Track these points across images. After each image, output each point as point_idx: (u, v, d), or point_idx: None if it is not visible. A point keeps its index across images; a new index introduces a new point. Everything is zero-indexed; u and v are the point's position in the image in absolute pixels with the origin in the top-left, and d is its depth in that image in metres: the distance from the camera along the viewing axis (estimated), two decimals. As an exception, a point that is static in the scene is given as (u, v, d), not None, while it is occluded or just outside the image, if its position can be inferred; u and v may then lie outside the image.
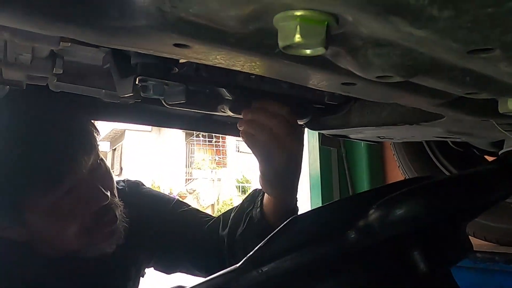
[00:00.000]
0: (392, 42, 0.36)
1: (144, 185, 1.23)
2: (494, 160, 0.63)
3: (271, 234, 0.48)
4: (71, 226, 0.89)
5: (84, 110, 1.01)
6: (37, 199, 0.84)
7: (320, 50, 0.34)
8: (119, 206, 0.98)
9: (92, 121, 1.03)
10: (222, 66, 0.50)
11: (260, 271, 0.45)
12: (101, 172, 0.95)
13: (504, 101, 0.56)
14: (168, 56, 0.44)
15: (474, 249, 1.41)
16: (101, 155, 0.98)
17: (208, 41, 0.38)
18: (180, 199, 1.31)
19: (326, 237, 0.46)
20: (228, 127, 1.54)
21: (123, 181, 1.19)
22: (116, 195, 1.00)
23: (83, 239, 0.91)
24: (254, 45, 0.39)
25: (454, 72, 0.41)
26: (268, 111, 0.94)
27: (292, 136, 0.93)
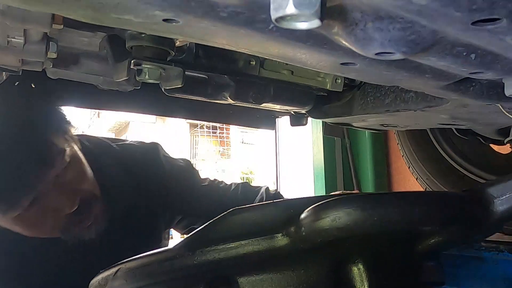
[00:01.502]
0: (392, 14, 0.34)
1: (162, 150, 1.26)
2: (467, 189, 0.59)
3: (209, 221, 0.50)
4: (46, 227, 0.94)
5: (50, 123, 0.96)
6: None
7: (315, 23, 0.32)
8: (97, 198, 0.99)
9: (60, 129, 0.98)
10: (217, 46, 0.48)
11: (192, 255, 0.47)
12: (68, 179, 0.93)
13: (510, 83, 0.54)
14: (158, 34, 0.42)
15: (479, 238, 1.39)
16: (71, 160, 0.95)
17: (198, 16, 0.36)
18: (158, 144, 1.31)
19: (257, 235, 0.47)
20: (231, 116, 1.53)
21: (139, 143, 1.22)
22: (96, 191, 1.00)
23: (61, 233, 0.95)
24: (247, 20, 0.37)
25: (458, 49, 0.39)
26: None
27: None
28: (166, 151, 1.30)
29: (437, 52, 0.40)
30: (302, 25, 0.33)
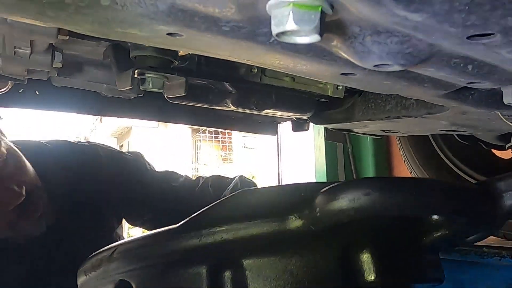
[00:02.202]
0: (389, 29, 0.35)
1: (123, 153, 1.27)
2: (478, 182, 0.59)
3: (217, 201, 0.48)
4: None
5: None
6: None
7: (315, 38, 0.33)
8: (41, 189, 0.99)
9: None
10: (220, 57, 0.49)
11: (197, 235, 0.45)
12: (9, 171, 0.94)
13: (509, 92, 0.54)
14: (163, 47, 0.43)
15: (481, 244, 1.39)
16: (8, 152, 0.95)
17: (201, 30, 0.37)
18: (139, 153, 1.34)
19: (268, 217, 0.44)
20: (233, 122, 1.54)
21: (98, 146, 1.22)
22: (37, 177, 0.99)
23: (9, 231, 0.95)
24: (248, 33, 0.38)
25: (454, 60, 0.40)
26: None
27: None
28: (107, 145, 1.28)
29: (435, 63, 0.41)
30: (302, 40, 0.34)
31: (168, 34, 0.38)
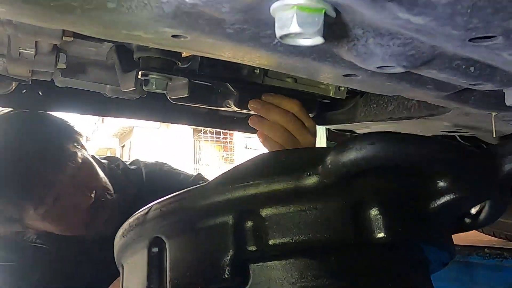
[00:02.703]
0: (392, 31, 0.35)
1: (164, 167, 1.44)
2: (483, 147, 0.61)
3: (242, 162, 0.53)
4: (70, 222, 1.12)
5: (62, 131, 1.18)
6: (31, 211, 1.06)
7: (318, 40, 0.33)
8: (112, 195, 1.17)
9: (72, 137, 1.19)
10: (223, 59, 0.50)
11: (223, 190, 0.49)
12: (82, 177, 1.12)
13: (511, 93, 0.55)
14: (167, 49, 0.44)
15: (483, 245, 1.39)
16: (82, 161, 1.14)
17: (206, 32, 0.37)
18: (201, 174, 1.50)
19: (285, 174, 0.48)
20: (235, 123, 1.54)
21: (142, 164, 1.40)
22: (109, 187, 1.18)
23: (84, 229, 1.13)
24: (252, 35, 0.38)
25: (457, 62, 0.40)
26: (279, 107, 0.92)
27: (305, 131, 0.92)
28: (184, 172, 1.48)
29: (437, 65, 0.41)
30: (306, 42, 0.34)
31: (173, 36, 0.39)
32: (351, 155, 0.45)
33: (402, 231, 0.49)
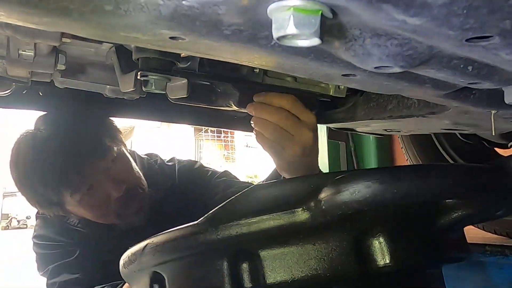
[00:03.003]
0: (389, 32, 0.35)
1: (195, 164, 1.54)
2: (492, 161, 0.59)
3: (231, 197, 0.51)
4: (102, 210, 1.24)
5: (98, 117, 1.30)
6: (69, 197, 1.21)
7: (315, 41, 0.33)
8: (144, 189, 1.29)
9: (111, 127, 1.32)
10: (221, 60, 0.50)
11: (215, 230, 0.48)
12: (116, 170, 1.24)
13: (510, 91, 0.54)
14: (165, 50, 0.44)
15: (484, 242, 1.39)
16: (117, 155, 1.25)
17: (203, 34, 0.37)
18: (227, 171, 1.55)
19: (278, 210, 0.47)
20: (235, 122, 1.54)
21: (176, 161, 1.52)
22: (142, 180, 1.30)
23: (115, 218, 1.26)
24: (249, 37, 0.39)
25: (454, 62, 0.40)
26: (270, 105, 0.92)
27: (300, 126, 0.90)
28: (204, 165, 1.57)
29: (435, 65, 0.41)
30: (303, 43, 0.34)
31: (170, 37, 0.39)
32: (345, 198, 0.43)
33: (409, 257, 0.47)
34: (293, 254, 0.47)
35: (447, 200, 0.49)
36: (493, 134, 0.79)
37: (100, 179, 1.21)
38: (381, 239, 0.47)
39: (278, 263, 0.47)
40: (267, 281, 0.47)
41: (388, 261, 0.46)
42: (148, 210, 1.29)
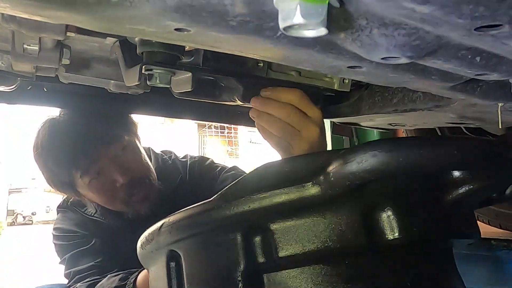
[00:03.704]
0: (396, 21, 0.35)
1: (206, 161, 1.60)
2: (497, 137, 0.58)
3: (243, 175, 0.53)
4: (109, 195, 1.32)
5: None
6: (79, 179, 1.31)
7: (322, 31, 0.33)
8: (151, 180, 1.35)
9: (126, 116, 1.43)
10: (226, 52, 0.49)
11: (228, 205, 0.49)
12: (124, 158, 1.32)
13: (517, 83, 0.54)
14: (170, 42, 0.43)
15: (489, 237, 1.39)
16: (127, 145, 1.35)
17: (209, 25, 0.37)
18: (236, 166, 1.61)
19: (289, 185, 0.48)
20: (239, 117, 1.54)
21: (189, 157, 1.60)
22: (151, 172, 1.37)
23: (121, 205, 1.34)
24: (255, 28, 0.38)
25: (462, 52, 0.40)
26: (278, 100, 0.91)
27: (307, 122, 0.89)
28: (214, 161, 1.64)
29: (442, 55, 0.41)
30: (310, 33, 0.34)
31: (176, 29, 0.38)
32: (353, 168, 0.44)
33: (417, 230, 0.48)
34: (304, 227, 0.48)
35: (454, 174, 0.49)
36: (500, 127, 0.78)
37: (108, 165, 1.29)
38: (390, 213, 0.47)
39: (289, 236, 0.48)
40: (279, 254, 0.48)
41: (397, 235, 0.46)
42: (158, 201, 1.35)
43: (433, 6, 0.28)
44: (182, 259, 0.55)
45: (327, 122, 2.35)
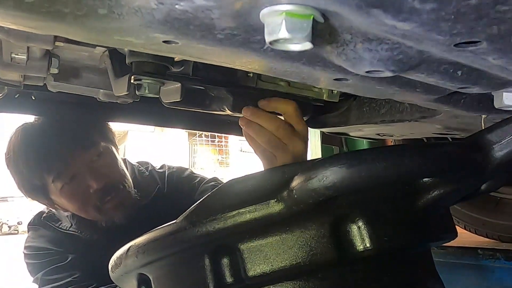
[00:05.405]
0: (379, 36, 0.36)
1: (185, 171, 1.57)
2: (465, 138, 0.57)
3: (207, 195, 0.52)
4: (82, 202, 1.27)
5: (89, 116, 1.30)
6: (51, 184, 1.25)
7: (307, 45, 0.34)
8: (125, 186, 1.31)
9: (103, 123, 1.38)
10: (214, 64, 0.50)
11: (193, 227, 0.48)
12: (99, 164, 1.28)
13: (499, 96, 0.55)
14: (159, 54, 0.44)
15: (475, 246, 1.40)
16: (103, 151, 1.31)
17: (197, 38, 0.38)
18: (216, 177, 1.60)
19: (253, 202, 0.46)
20: (229, 126, 1.54)
21: (166, 168, 1.56)
22: (126, 179, 1.33)
23: (95, 212, 1.28)
24: (242, 41, 0.39)
25: (444, 66, 0.41)
26: (267, 112, 0.92)
27: (294, 136, 0.90)
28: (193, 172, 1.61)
29: (425, 69, 0.42)
30: (295, 47, 0.34)
31: (164, 41, 0.39)
32: (314, 185, 0.43)
33: (389, 239, 0.47)
34: (272, 245, 0.47)
35: (423, 180, 0.49)
36: (484, 138, 0.79)
37: (83, 170, 1.25)
38: (360, 223, 0.47)
39: (258, 255, 0.47)
40: (249, 274, 0.47)
41: (368, 245, 0.46)
42: (134, 211, 1.32)
43: (413, 23, 0.29)
44: (152, 282, 0.54)
45: (316, 132, 2.36)
